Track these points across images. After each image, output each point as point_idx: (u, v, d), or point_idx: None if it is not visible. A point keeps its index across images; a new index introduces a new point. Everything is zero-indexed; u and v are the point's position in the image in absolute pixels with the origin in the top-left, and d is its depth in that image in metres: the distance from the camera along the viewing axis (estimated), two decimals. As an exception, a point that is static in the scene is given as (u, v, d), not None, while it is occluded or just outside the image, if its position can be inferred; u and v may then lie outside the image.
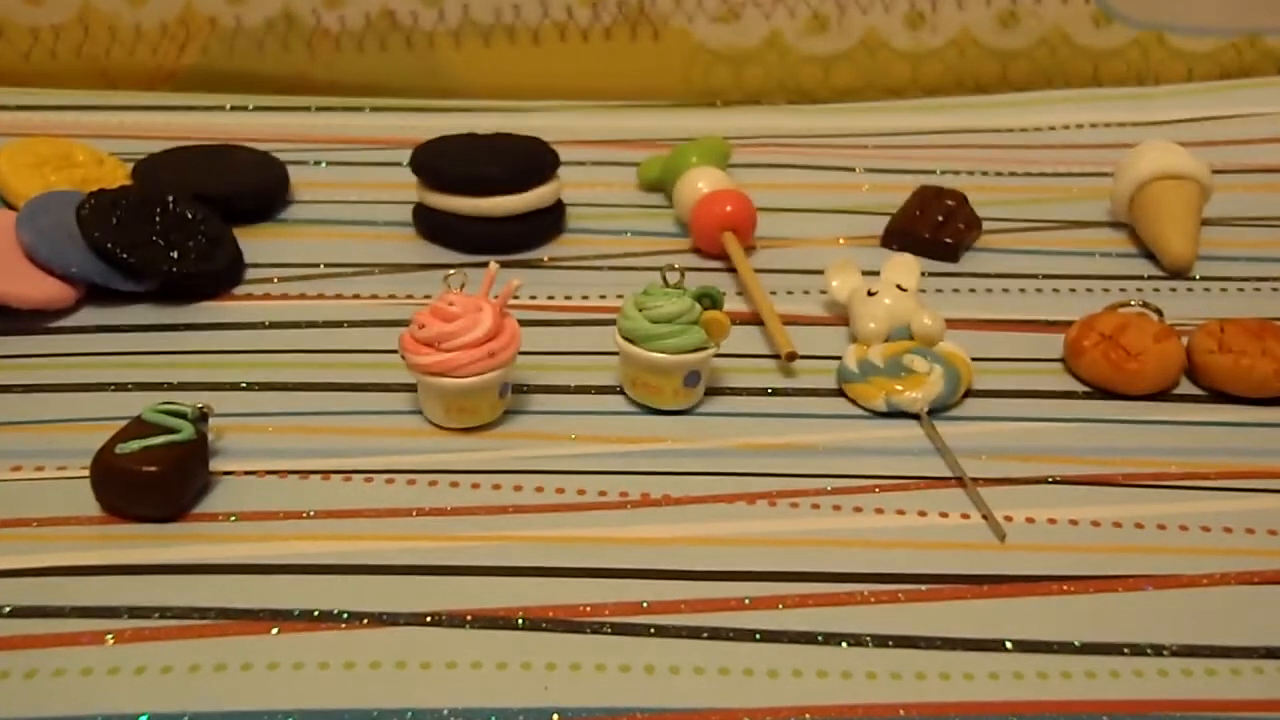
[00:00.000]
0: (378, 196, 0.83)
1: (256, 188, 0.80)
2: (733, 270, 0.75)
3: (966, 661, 0.49)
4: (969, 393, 0.65)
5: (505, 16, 0.99)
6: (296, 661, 0.48)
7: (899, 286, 0.69)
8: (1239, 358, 0.65)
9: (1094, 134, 0.97)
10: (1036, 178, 0.90)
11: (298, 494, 0.56)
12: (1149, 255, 0.79)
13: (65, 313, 0.68)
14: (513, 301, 0.62)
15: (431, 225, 0.78)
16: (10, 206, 0.76)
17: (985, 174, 0.90)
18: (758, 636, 0.50)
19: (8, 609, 0.49)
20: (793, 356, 0.66)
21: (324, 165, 0.87)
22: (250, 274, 0.73)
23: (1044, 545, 0.55)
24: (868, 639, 0.50)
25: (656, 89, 1.01)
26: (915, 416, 0.63)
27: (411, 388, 0.62)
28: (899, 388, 0.63)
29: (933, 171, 0.89)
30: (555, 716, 0.46)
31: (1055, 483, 0.59)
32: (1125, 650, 0.50)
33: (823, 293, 0.72)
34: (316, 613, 0.50)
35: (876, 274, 0.70)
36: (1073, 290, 0.76)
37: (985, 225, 0.81)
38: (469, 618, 0.50)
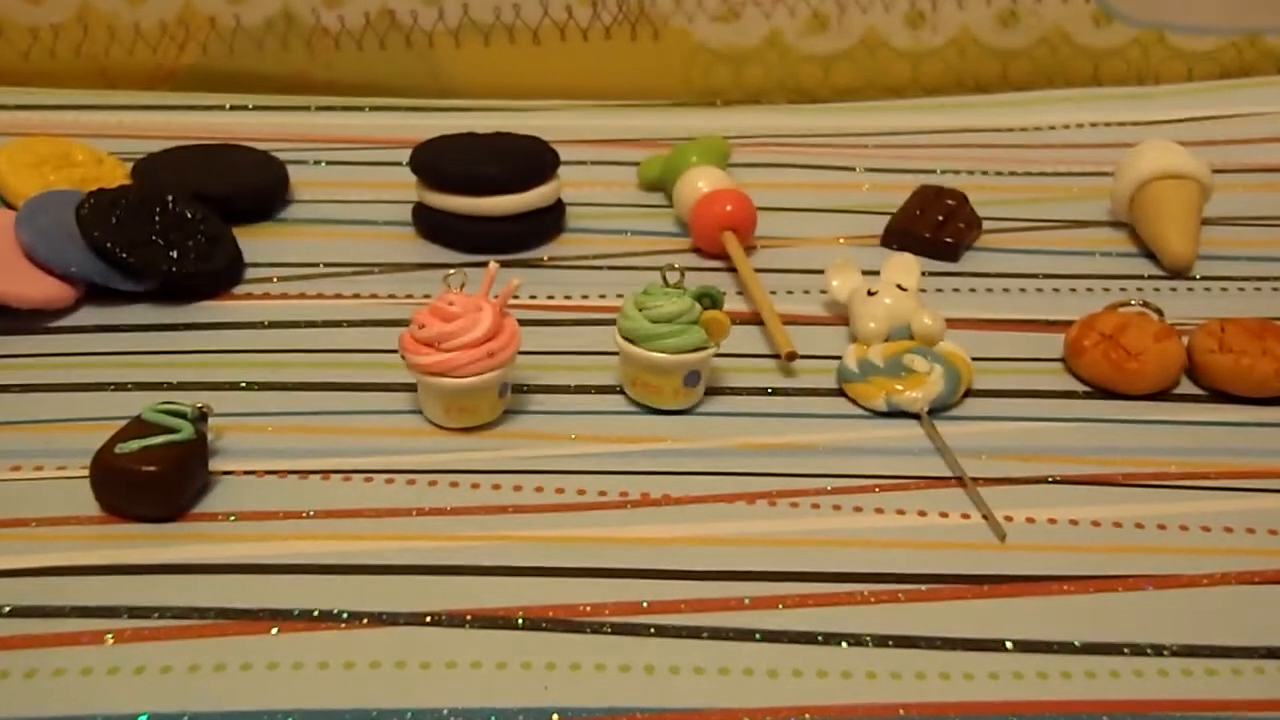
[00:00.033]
0: (377, 196, 0.83)
1: (256, 187, 0.80)
2: (733, 270, 0.75)
3: (966, 661, 0.49)
4: (969, 392, 0.65)
5: (505, 16, 0.99)
6: (296, 661, 0.48)
7: (899, 286, 0.69)
8: (1239, 357, 0.65)
9: (1094, 133, 0.96)
10: (1037, 177, 0.90)
11: (297, 494, 0.56)
12: (1149, 255, 0.79)
13: (64, 312, 0.68)
14: (512, 301, 0.62)
15: (431, 225, 0.78)
16: (10, 206, 0.76)
17: (985, 173, 0.90)
18: (758, 636, 0.50)
19: (8, 609, 0.49)
20: (793, 356, 0.66)
21: (323, 165, 0.87)
22: (250, 274, 0.73)
23: (1044, 545, 0.55)
24: (868, 639, 0.50)
25: (656, 88, 1.01)
26: (915, 416, 0.63)
27: (411, 388, 0.62)
28: (899, 387, 0.63)
29: (933, 171, 0.89)
30: (555, 716, 0.46)
31: (1055, 483, 0.59)
32: (1125, 650, 0.50)
33: (823, 292, 0.72)
34: (316, 613, 0.50)
35: (876, 274, 0.70)
36: (1073, 290, 0.75)
37: (985, 225, 0.81)
38: (469, 618, 0.50)
